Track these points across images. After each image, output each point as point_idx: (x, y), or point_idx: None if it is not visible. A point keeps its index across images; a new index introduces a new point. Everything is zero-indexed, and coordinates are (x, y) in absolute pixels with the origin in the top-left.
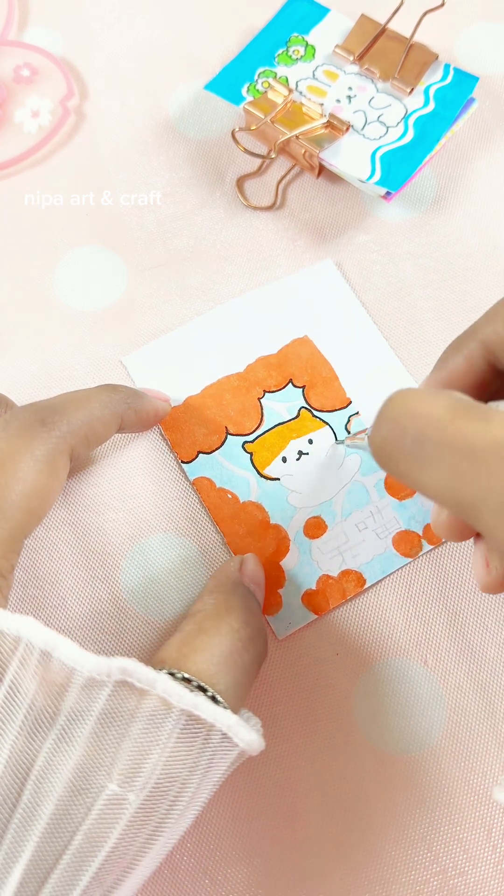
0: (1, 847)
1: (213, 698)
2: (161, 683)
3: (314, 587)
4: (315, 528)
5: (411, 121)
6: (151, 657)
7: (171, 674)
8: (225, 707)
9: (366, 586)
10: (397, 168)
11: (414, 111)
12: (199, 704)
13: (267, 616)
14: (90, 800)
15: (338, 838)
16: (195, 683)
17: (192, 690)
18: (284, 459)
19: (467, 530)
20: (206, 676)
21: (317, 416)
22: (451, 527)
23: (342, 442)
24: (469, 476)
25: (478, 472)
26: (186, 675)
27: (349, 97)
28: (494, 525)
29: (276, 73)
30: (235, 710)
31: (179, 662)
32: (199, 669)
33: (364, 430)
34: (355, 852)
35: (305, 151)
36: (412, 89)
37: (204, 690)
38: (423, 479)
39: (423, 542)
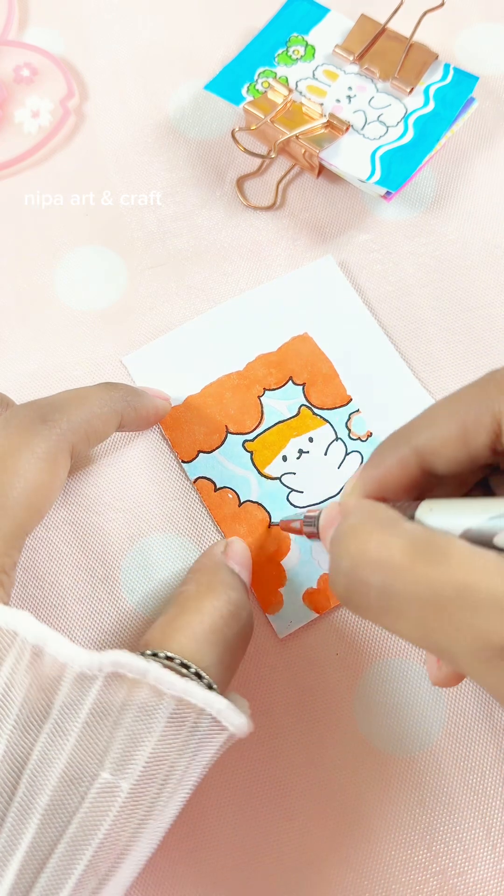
0: None
1: (198, 675)
2: (153, 672)
3: (315, 586)
4: None
5: (411, 120)
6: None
7: (155, 654)
8: (213, 687)
9: None
10: (397, 168)
11: (414, 111)
12: (190, 690)
13: (268, 615)
14: (83, 789)
15: (337, 838)
16: (178, 661)
17: (176, 670)
18: (285, 458)
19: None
20: (189, 653)
21: (317, 414)
22: (448, 679)
23: (278, 524)
24: (438, 626)
25: (446, 622)
26: (169, 654)
27: (349, 97)
28: (471, 670)
29: (276, 73)
30: (223, 687)
31: (163, 643)
32: (181, 648)
33: (299, 519)
34: (355, 852)
35: (305, 151)
36: (412, 89)
37: (187, 667)
38: (396, 629)
39: None
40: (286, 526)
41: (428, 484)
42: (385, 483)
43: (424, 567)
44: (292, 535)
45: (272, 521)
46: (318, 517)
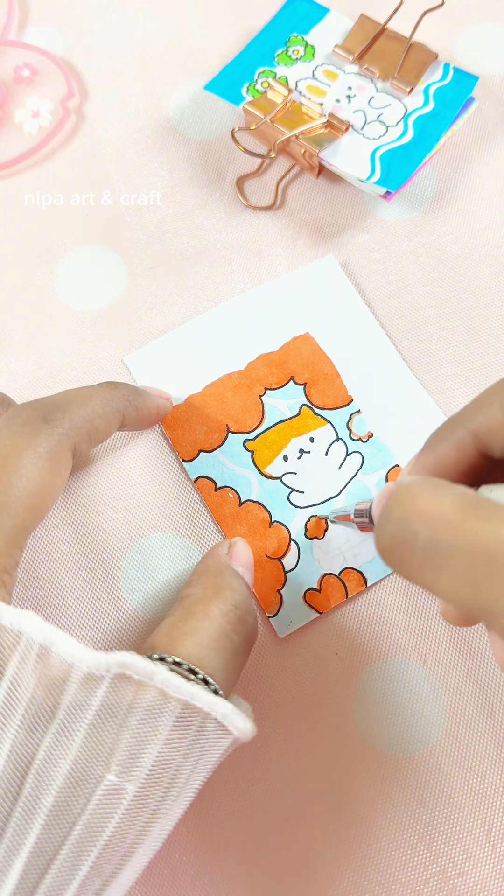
0: (3, 839)
1: (205, 680)
2: (159, 675)
3: (315, 586)
4: (316, 527)
5: (411, 120)
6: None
7: (162, 658)
8: (219, 693)
9: (367, 586)
10: (397, 167)
11: (413, 111)
12: (196, 694)
13: (268, 615)
14: (89, 791)
15: (337, 838)
16: (185, 667)
17: (183, 675)
18: (286, 458)
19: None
20: (197, 660)
21: (318, 414)
22: (460, 618)
23: (327, 518)
24: (486, 582)
25: (495, 579)
26: (177, 659)
27: (349, 97)
28: None
29: (275, 73)
30: (227, 692)
31: (169, 647)
32: (189, 653)
33: (350, 513)
34: (355, 852)
35: (305, 151)
36: (412, 89)
37: (194, 673)
38: (437, 585)
39: None
40: (339, 518)
41: (486, 470)
42: (442, 467)
43: (475, 522)
44: (292, 537)
45: (272, 518)
46: (370, 506)
